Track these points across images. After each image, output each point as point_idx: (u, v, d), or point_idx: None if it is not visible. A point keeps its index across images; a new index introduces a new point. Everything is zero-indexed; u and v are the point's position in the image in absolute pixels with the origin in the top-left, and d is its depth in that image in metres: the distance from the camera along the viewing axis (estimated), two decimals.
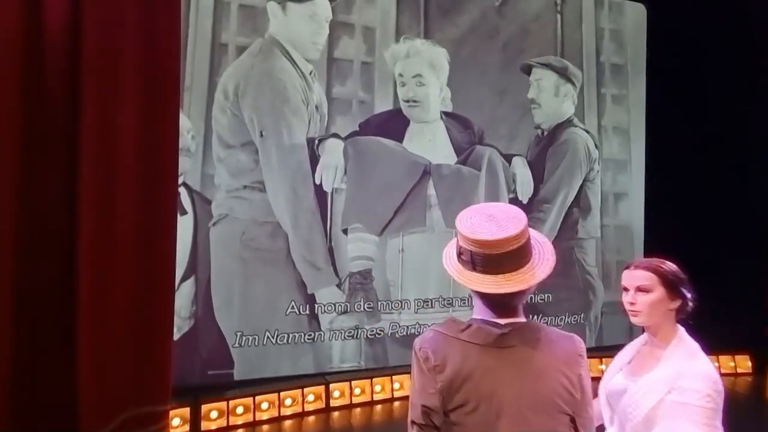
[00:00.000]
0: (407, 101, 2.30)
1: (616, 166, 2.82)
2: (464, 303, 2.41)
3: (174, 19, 1.63)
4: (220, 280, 2.04)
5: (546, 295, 2.60)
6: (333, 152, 2.15)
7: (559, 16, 2.69)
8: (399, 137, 2.32)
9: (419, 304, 2.34)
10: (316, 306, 2.16)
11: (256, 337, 2.07)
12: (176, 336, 1.96)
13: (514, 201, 2.48)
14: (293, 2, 2.10)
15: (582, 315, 2.67)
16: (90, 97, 1.26)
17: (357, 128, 2.27)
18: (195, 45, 2.07)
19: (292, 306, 2.13)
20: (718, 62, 2.74)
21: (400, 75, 2.30)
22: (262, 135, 2.03)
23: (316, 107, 2.17)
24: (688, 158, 2.74)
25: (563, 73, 2.63)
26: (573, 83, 2.65)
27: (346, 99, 2.30)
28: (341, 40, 2.27)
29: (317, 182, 2.13)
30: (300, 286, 2.14)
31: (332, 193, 2.17)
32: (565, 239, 2.63)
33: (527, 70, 2.58)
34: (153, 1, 1.53)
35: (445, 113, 2.41)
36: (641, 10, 2.89)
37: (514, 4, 2.59)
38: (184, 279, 1.98)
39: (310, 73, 2.15)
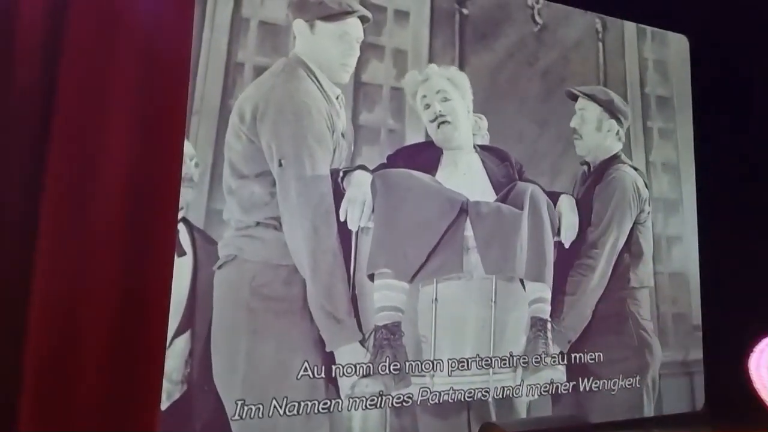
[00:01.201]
0: (435, 120, 2.04)
1: (666, 206, 2.55)
2: (505, 364, 2.06)
3: (185, 32, 1.40)
4: (223, 336, 1.71)
5: (597, 354, 2.25)
6: (360, 185, 1.87)
7: (600, 44, 2.50)
8: (432, 171, 2.05)
9: (453, 364, 1.99)
10: (335, 367, 1.81)
11: (261, 407, 1.70)
12: (165, 404, 1.61)
13: (559, 244, 2.18)
14: (323, 21, 1.88)
15: (638, 378, 2.30)
16: (66, 112, 0.99)
17: (385, 161, 2.00)
18: (208, 64, 1.84)
19: (305, 367, 1.78)
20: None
21: (424, 96, 2.06)
22: (281, 164, 1.76)
23: (342, 135, 1.91)
24: (743, 197, 2.49)
25: (608, 107, 2.40)
26: (618, 119, 2.41)
27: (374, 127, 2.05)
28: (370, 63, 2.05)
29: (342, 219, 1.83)
30: (317, 343, 1.79)
31: (357, 232, 1.88)
32: (616, 289, 2.31)
33: (573, 97, 2.36)
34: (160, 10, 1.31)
35: (480, 146, 2.16)
36: (684, 41, 2.72)
37: (554, 30, 2.40)
38: (177, 334, 1.64)
39: (337, 98, 1.91)
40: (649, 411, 2.30)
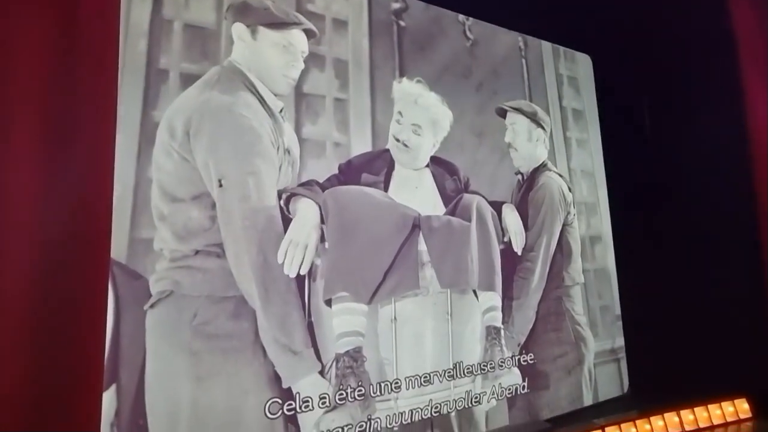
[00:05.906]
0: (398, 141, 2.02)
1: (587, 209, 2.79)
2: (464, 375, 2.06)
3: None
4: (159, 387, 1.46)
5: (542, 353, 2.36)
6: (305, 224, 1.70)
7: (524, 60, 2.67)
8: (383, 182, 1.99)
9: (414, 382, 1.94)
10: (295, 403, 1.65)
11: None
12: None
13: (506, 252, 2.26)
14: (267, 28, 1.73)
15: (577, 370, 2.46)
16: None
17: (337, 171, 1.90)
18: (123, 70, 1.58)
19: (260, 408, 1.60)
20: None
21: (399, 113, 2.05)
22: (221, 184, 1.56)
23: (287, 151, 1.77)
24: (646, 197, 2.83)
25: (533, 118, 2.57)
26: (543, 128, 2.59)
27: (318, 140, 1.93)
28: (311, 73, 1.94)
29: (279, 261, 1.64)
30: (272, 380, 1.62)
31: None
32: (553, 288, 2.45)
33: (502, 113, 2.48)
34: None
35: (431, 158, 2.16)
36: (588, 60, 3.02)
37: (484, 46, 2.50)
38: None
39: (281, 111, 1.77)
40: (588, 400, 2.47)
